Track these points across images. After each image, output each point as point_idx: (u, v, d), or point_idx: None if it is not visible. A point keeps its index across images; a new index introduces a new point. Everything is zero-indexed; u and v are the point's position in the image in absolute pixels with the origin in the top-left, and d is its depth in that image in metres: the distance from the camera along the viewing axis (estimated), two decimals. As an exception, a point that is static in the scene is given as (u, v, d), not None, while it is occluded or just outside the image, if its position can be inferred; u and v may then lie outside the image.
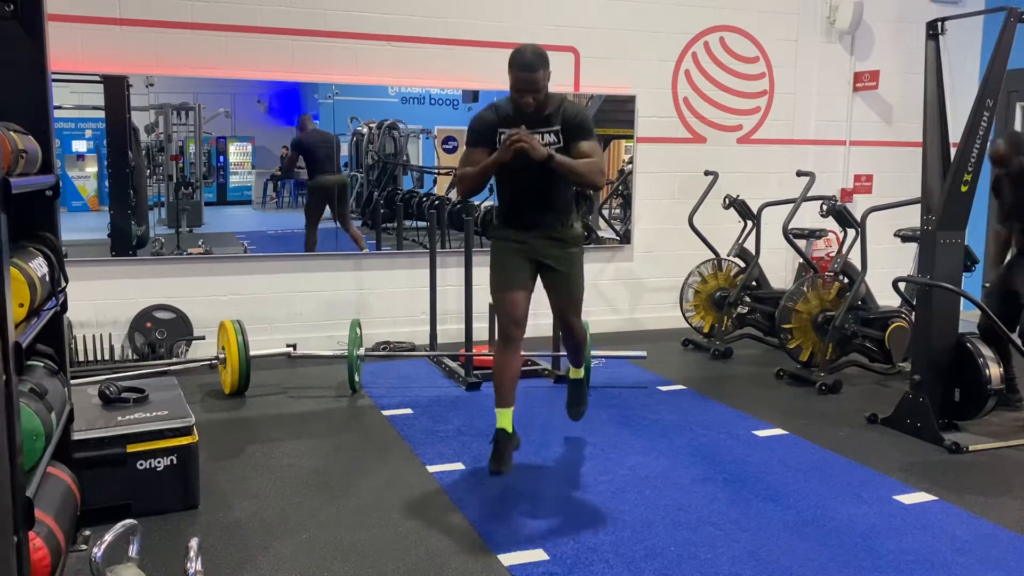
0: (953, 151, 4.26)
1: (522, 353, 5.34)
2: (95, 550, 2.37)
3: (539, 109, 3.40)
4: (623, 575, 2.88)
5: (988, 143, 4.18)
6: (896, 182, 7.23)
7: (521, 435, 4.23)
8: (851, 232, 5.51)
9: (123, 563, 2.47)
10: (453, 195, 6.45)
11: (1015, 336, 4.38)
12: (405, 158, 6.33)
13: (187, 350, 5.60)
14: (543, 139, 3.39)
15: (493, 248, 3.67)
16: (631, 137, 6.71)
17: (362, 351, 5.20)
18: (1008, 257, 4.76)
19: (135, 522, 2.53)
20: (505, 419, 3.56)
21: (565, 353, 4.14)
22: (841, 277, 5.44)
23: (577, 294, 3.71)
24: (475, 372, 5.17)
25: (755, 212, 6.21)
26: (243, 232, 6.00)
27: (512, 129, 3.31)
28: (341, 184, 6.13)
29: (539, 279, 3.68)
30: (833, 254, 6.15)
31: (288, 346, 5.24)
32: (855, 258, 5.47)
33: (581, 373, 4.03)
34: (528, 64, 3.29)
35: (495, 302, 3.63)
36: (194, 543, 2.52)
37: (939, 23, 4.31)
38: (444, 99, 6.27)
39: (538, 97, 3.35)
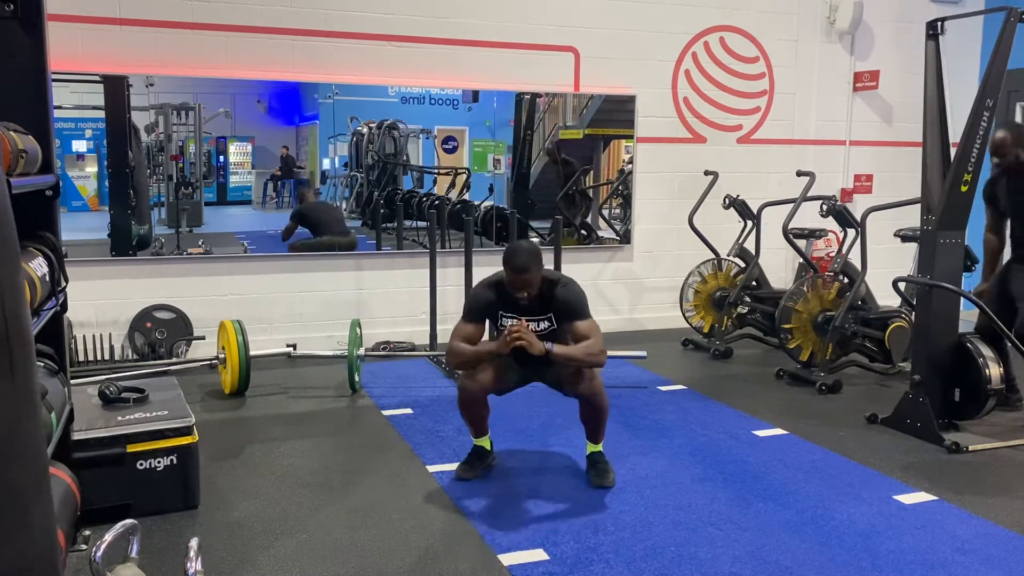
0: (953, 151, 4.26)
1: None
2: (95, 550, 2.37)
3: (533, 298, 3.57)
4: (623, 575, 2.89)
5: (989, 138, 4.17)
6: (896, 182, 7.23)
7: (521, 434, 4.26)
8: (851, 232, 5.50)
9: (123, 563, 2.47)
10: (453, 195, 6.45)
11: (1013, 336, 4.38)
12: (405, 158, 6.33)
13: (187, 350, 5.60)
14: (539, 326, 3.58)
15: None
16: (631, 137, 6.71)
17: (362, 351, 5.20)
18: (1003, 262, 4.71)
19: (135, 522, 2.53)
20: (483, 442, 3.81)
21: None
22: (841, 277, 5.44)
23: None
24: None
25: (755, 212, 6.21)
26: (243, 232, 6.00)
27: (511, 321, 3.50)
28: (351, 243, 6.15)
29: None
30: (833, 254, 6.15)
31: (288, 346, 5.25)
32: (855, 258, 5.47)
33: (600, 446, 3.75)
34: (522, 267, 3.48)
35: (463, 374, 3.66)
36: (194, 543, 2.51)
37: (939, 23, 4.31)
38: (444, 99, 6.26)
39: (532, 292, 3.54)
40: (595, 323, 3.56)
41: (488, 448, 3.82)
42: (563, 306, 3.57)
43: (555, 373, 3.64)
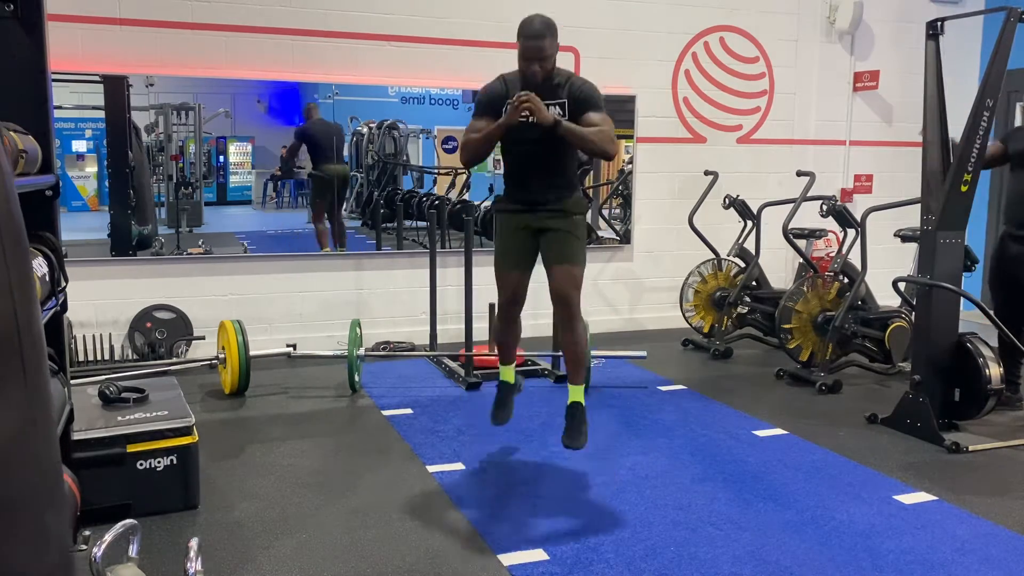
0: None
1: (522, 353, 5.39)
2: (95, 550, 2.37)
3: (547, 81, 3.32)
4: (623, 575, 2.89)
5: (990, 140, 4.18)
6: (896, 182, 7.23)
7: (521, 434, 4.26)
8: (851, 232, 5.50)
9: (123, 563, 2.47)
10: (453, 195, 6.45)
11: (1020, 335, 4.40)
12: (405, 158, 6.33)
13: (187, 350, 5.60)
14: (549, 110, 3.29)
15: (497, 223, 3.64)
16: (631, 137, 6.71)
17: (362, 351, 5.19)
18: (997, 239, 4.77)
19: (135, 522, 2.53)
20: (507, 373, 3.70)
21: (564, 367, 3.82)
22: (841, 277, 5.44)
23: (575, 257, 3.47)
24: (475, 372, 5.17)
25: (755, 212, 6.21)
26: (243, 232, 6.00)
27: (520, 92, 3.23)
28: (343, 175, 6.13)
29: (540, 252, 3.57)
30: (833, 254, 6.14)
31: (288, 346, 5.25)
32: (855, 258, 5.47)
33: (581, 394, 3.59)
34: (536, 32, 3.25)
35: (496, 278, 3.57)
36: (194, 543, 2.51)
37: (939, 23, 4.31)
38: (444, 99, 6.27)
39: (545, 66, 3.29)
40: (609, 119, 3.34)
41: (512, 381, 3.72)
42: (578, 94, 3.31)
43: (551, 242, 3.43)
